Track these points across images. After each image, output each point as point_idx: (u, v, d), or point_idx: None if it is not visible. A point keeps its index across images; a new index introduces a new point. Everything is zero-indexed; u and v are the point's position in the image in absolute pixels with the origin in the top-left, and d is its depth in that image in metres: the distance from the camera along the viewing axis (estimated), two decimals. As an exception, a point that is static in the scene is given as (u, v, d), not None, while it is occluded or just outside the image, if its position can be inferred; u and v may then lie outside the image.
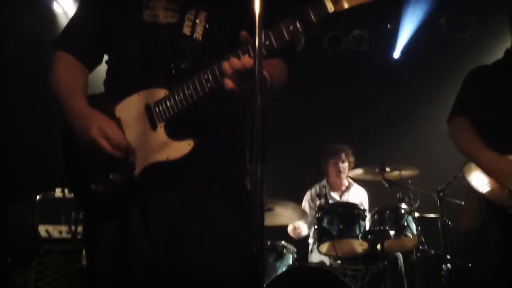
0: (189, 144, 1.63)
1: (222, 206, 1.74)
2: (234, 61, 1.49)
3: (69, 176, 1.86)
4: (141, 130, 1.72)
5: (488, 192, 2.66)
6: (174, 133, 1.68)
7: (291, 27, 1.46)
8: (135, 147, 1.71)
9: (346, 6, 1.42)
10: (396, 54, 6.56)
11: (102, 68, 1.97)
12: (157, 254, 1.70)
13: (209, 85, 1.58)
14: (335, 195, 5.11)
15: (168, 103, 1.66)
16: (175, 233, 1.72)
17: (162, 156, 1.67)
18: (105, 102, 1.78)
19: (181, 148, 1.64)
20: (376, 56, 6.42)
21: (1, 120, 4.31)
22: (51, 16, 5.29)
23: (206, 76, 1.58)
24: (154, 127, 1.70)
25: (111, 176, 1.71)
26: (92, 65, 1.95)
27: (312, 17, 1.44)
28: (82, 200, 1.84)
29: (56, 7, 5.38)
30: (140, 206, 1.70)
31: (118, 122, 1.74)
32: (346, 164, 5.12)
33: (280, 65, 1.78)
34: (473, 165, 2.78)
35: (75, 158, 1.81)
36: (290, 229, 4.88)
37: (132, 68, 1.78)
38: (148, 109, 1.71)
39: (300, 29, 1.46)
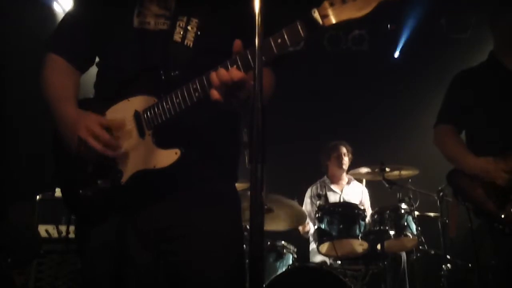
0: (176, 153, 1.62)
1: (209, 213, 1.73)
2: (222, 72, 1.47)
3: (58, 179, 1.85)
4: (129, 137, 1.70)
5: (474, 198, 2.69)
6: (162, 141, 1.66)
7: (279, 40, 1.45)
8: (124, 154, 1.70)
9: (334, 21, 1.42)
10: (396, 54, 6.56)
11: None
12: (145, 260, 1.70)
13: (197, 94, 1.57)
14: (336, 189, 5.15)
15: (156, 111, 1.64)
16: (164, 240, 1.71)
17: (149, 164, 1.65)
18: (96, 107, 1.76)
19: (168, 156, 1.63)
20: (376, 56, 6.43)
21: (1, 120, 4.30)
22: (51, 16, 5.28)
23: (194, 86, 1.57)
24: (142, 134, 1.68)
25: (99, 182, 1.70)
26: (83, 67, 1.93)
27: (301, 31, 1.44)
28: (70, 203, 1.83)
29: (56, 7, 5.37)
30: (127, 213, 1.68)
31: (107, 129, 1.71)
32: (347, 158, 5.19)
33: (268, 75, 1.73)
34: (457, 173, 2.81)
35: (65, 163, 1.80)
36: (301, 228, 4.91)
37: (122, 74, 1.76)
38: (137, 116, 1.69)
39: (288, 43, 1.45)
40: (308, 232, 4.93)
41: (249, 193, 1.21)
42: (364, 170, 4.76)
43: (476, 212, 2.73)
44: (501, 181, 2.63)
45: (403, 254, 4.48)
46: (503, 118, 2.77)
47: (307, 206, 5.09)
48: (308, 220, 4.85)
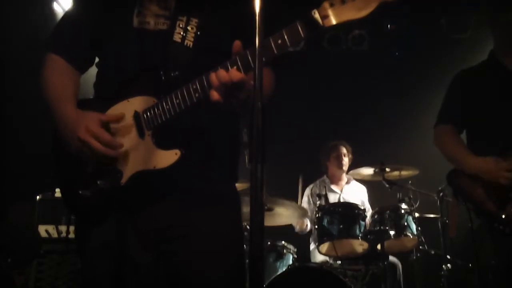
0: (176, 154, 1.62)
1: (209, 213, 1.72)
2: (222, 73, 1.47)
3: (58, 179, 1.85)
4: (129, 137, 1.70)
5: (474, 198, 2.69)
6: (161, 142, 1.66)
7: (279, 41, 1.45)
8: (123, 154, 1.69)
9: (334, 22, 1.42)
10: (396, 54, 6.55)
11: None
12: (145, 260, 1.70)
13: (197, 95, 1.56)
14: (336, 189, 5.14)
15: (156, 111, 1.64)
16: (164, 240, 1.71)
17: (149, 164, 1.65)
18: (96, 107, 1.76)
19: (168, 157, 1.63)
20: (376, 56, 6.42)
21: (1, 120, 4.30)
22: (51, 16, 5.28)
23: (194, 86, 1.56)
24: (142, 135, 1.68)
25: (98, 182, 1.69)
26: (83, 67, 1.93)
27: (301, 32, 1.43)
28: (70, 203, 1.83)
29: (56, 7, 5.37)
30: (127, 213, 1.68)
31: (107, 128, 1.72)
32: (347, 159, 5.19)
33: (267, 75, 1.72)
34: (457, 173, 2.81)
35: (65, 163, 1.80)
36: (296, 225, 4.89)
37: (122, 74, 1.75)
38: (136, 116, 1.69)
39: (288, 43, 1.45)
40: (305, 229, 4.91)
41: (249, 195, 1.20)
42: (364, 170, 4.76)
43: (477, 212, 2.72)
44: (503, 180, 2.61)
45: (399, 265, 4.47)
46: (503, 118, 2.77)
47: (305, 204, 5.09)
48: (306, 218, 4.86)
